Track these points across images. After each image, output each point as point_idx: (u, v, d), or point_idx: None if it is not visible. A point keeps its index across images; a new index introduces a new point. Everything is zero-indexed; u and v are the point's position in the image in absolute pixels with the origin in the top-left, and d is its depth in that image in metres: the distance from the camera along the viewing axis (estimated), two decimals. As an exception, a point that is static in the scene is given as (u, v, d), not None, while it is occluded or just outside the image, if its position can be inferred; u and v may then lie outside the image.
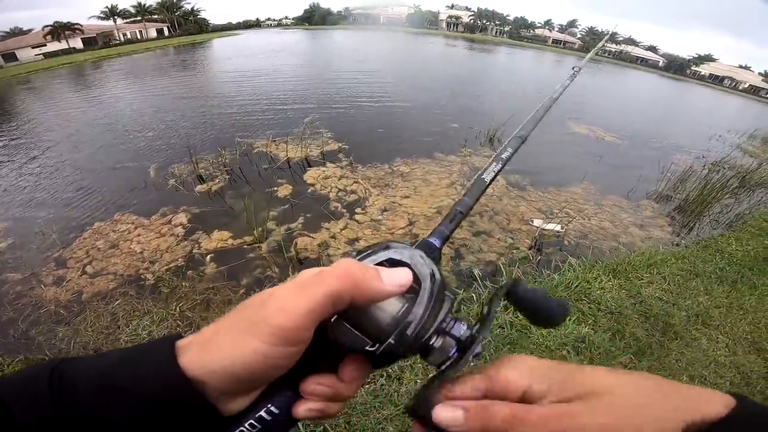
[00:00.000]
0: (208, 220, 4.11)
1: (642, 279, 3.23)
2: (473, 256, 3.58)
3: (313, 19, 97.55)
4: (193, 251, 3.58)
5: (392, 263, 0.32)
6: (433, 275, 0.31)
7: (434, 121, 8.35)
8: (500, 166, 0.41)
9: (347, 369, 0.32)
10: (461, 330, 0.31)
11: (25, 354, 2.51)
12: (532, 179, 5.38)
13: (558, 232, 4.05)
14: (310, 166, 5.44)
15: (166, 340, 0.30)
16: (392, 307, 0.30)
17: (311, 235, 3.81)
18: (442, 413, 0.28)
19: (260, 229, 3.80)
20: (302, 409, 0.31)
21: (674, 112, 17.80)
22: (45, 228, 4.10)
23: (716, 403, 0.29)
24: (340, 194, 4.62)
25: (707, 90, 48.97)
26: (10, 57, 50.14)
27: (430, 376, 0.32)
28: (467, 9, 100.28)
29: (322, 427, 1.77)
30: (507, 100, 10.97)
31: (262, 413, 0.30)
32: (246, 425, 0.30)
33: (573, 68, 0.68)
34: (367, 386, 1.98)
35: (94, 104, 11.41)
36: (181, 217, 4.13)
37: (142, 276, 3.27)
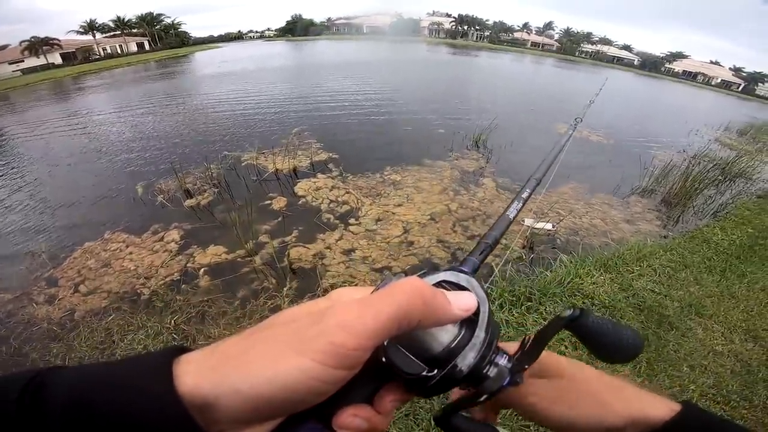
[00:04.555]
0: (199, 234, 4.07)
1: (633, 272, 3.30)
2: (468, 258, 3.60)
3: (296, 30, 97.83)
4: (187, 266, 3.54)
5: (449, 286, 0.31)
6: (489, 303, 0.30)
7: (421, 127, 8.43)
8: (521, 204, 0.44)
9: (386, 399, 0.28)
10: (504, 360, 0.30)
11: (19, 369, 2.46)
12: (522, 181, 5.43)
13: (549, 230, 4.12)
14: (299, 178, 5.43)
15: (165, 352, 0.25)
16: (448, 334, 0.28)
17: (307, 246, 3.80)
18: None
19: (252, 242, 3.78)
20: None
21: (653, 109, 18.28)
22: (34, 248, 4.03)
23: (662, 408, 0.34)
24: (332, 205, 4.61)
25: (681, 86, 50.48)
26: (-14, 75, 48.97)
27: (461, 396, 0.32)
28: (448, 15, 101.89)
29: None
30: (491, 105, 11.16)
31: None
32: None
33: (575, 119, 0.75)
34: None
35: (76, 121, 11.19)
36: (173, 234, 4.08)
37: (138, 291, 3.24)
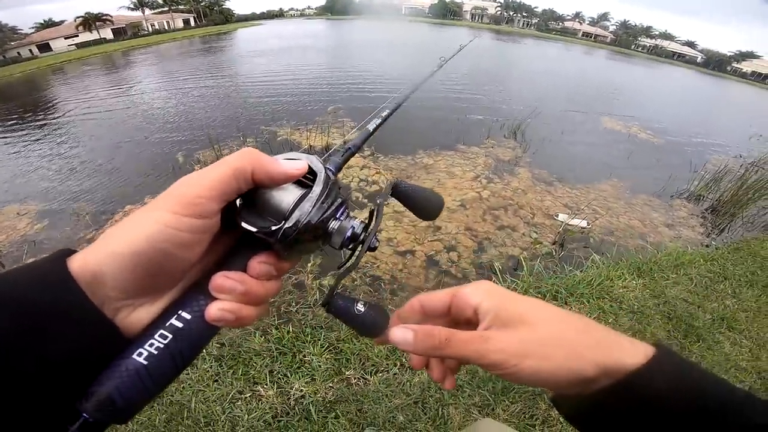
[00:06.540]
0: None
1: (668, 279, 3.12)
2: (496, 249, 3.55)
3: (335, 8, 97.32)
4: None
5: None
6: (326, 171, 0.35)
7: (458, 112, 8.24)
8: (381, 120, 0.52)
9: (254, 261, 0.32)
10: (355, 222, 0.35)
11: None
12: (560, 175, 5.26)
13: (583, 228, 3.96)
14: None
15: (59, 252, 0.28)
16: (292, 194, 0.33)
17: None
18: (398, 334, 0.34)
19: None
20: (214, 308, 0.30)
21: (713, 110, 16.95)
22: (79, 210, 4.31)
23: (636, 353, 0.32)
24: (361, 184, 4.63)
25: (750, 88, 46.26)
26: (45, 47, 52.06)
27: (336, 273, 0.38)
28: (493, 0, 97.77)
29: (334, 414, 1.76)
30: (533, 93, 10.72)
31: (173, 321, 0.29)
32: (156, 336, 0.28)
33: (440, 58, 0.82)
34: (380, 374, 1.97)
35: (124, 92, 11.80)
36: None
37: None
